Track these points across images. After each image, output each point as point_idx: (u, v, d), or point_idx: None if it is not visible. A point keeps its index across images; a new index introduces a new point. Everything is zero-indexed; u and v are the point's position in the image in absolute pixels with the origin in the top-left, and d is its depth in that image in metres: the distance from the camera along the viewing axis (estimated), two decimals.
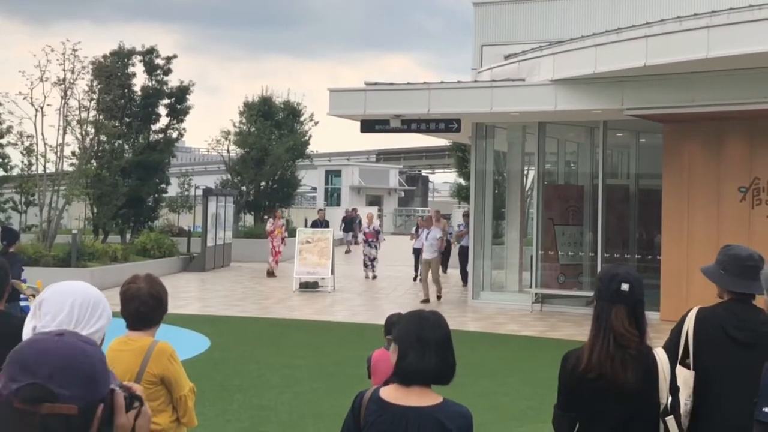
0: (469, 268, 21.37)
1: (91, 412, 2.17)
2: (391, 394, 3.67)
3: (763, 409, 3.58)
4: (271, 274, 26.57)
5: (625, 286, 4.13)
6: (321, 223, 28.06)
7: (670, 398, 4.12)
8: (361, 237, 27.79)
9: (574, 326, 16.71)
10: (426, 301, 20.20)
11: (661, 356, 4.16)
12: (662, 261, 18.33)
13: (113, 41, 35.43)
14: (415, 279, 25.33)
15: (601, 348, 4.09)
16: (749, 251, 4.84)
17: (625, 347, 4.08)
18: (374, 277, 26.23)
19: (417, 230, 25.83)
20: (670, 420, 4.09)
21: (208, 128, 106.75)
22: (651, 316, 18.12)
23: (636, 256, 20.70)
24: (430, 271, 21.04)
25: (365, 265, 26.74)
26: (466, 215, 25.43)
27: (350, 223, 41.38)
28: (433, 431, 3.57)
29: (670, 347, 4.84)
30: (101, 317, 2.91)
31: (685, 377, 4.74)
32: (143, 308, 4.81)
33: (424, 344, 3.64)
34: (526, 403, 10.63)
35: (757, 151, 17.27)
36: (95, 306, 2.90)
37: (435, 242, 21.15)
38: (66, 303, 2.83)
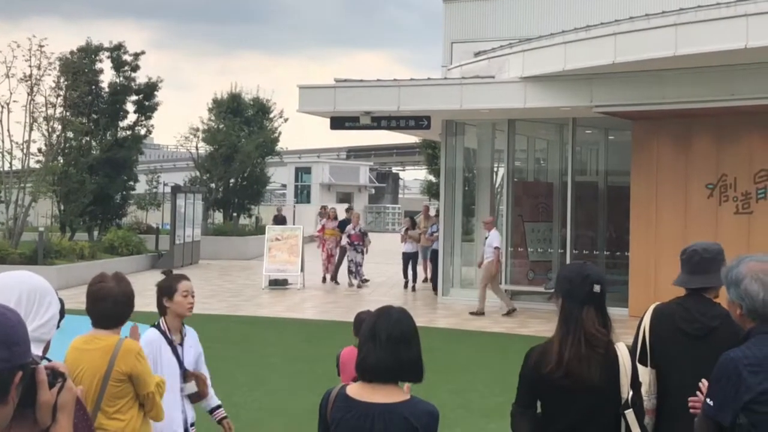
0: (439, 265, 21.18)
1: (9, 377, 2.17)
2: (358, 391, 3.66)
3: (707, 400, 3.63)
4: (324, 280, 23.93)
5: (597, 288, 4.17)
6: (346, 223, 24.28)
7: (631, 392, 4.15)
8: (344, 239, 23.59)
9: (543, 322, 16.76)
10: (481, 313, 18.38)
11: (622, 351, 4.19)
12: (630, 257, 18.43)
13: (84, 37, 35.20)
14: (406, 286, 22.98)
15: (571, 348, 4.10)
16: (696, 246, 4.90)
17: (594, 347, 4.11)
18: (359, 285, 23.01)
19: (407, 231, 23.63)
20: (629, 413, 4.12)
21: (180, 125, 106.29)
22: (620, 311, 18.31)
23: (605, 252, 20.81)
24: (488, 281, 18.73)
25: (350, 272, 23.28)
26: (437, 215, 23.44)
27: (282, 223, 34.23)
28: (399, 428, 3.56)
29: (634, 344, 4.90)
30: (51, 305, 2.84)
31: (641, 374, 4.78)
32: (117, 308, 4.79)
33: (376, 339, 3.64)
34: (496, 400, 10.63)
35: (725, 148, 17.40)
36: (43, 295, 2.82)
37: (491, 249, 18.49)
38: (12, 295, 2.74)
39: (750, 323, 3.70)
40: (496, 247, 18.53)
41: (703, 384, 3.88)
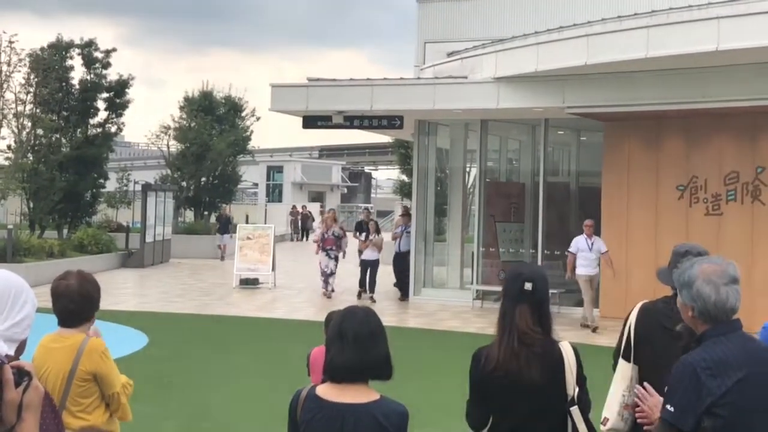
0: (411, 264, 20.79)
1: None
2: (327, 391, 3.64)
3: (667, 406, 3.63)
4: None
5: (528, 285, 4.19)
6: (365, 226, 21.55)
7: (576, 389, 4.19)
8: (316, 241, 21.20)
9: None
10: (596, 328, 16.47)
11: (566, 349, 4.23)
12: (601, 258, 18.47)
13: (55, 34, 35.06)
14: (359, 295, 20.68)
15: (506, 346, 4.16)
16: (688, 247, 4.93)
17: (529, 345, 4.14)
18: (332, 290, 20.96)
19: (367, 236, 20.94)
20: (575, 410, 4.16)
21: (151, 122, 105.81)
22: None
23: None
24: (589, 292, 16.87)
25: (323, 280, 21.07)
26: (404, 214, 22.00)
27: (226, 223, 32.53)
28: (369, 428, 3.55)
29: (619, 341, 4.93)
30: (26, 304, 2.80)
31: (624, 370, 4.80)
32: (72, 305, 4.73)
33: (343, 339, 3.64)
34: (466, 400, 10.62)
35: (695, 150, 17.51)
36: (18, 293, 2.78)
37: (601, 257, 16.80)
38: None
39: (702, 325, 3.71)
40: (606, 252, 16.82)
41: (638, 390, 3.90)
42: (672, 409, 3.60)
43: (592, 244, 16.77)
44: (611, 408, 4.85)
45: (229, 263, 25.88)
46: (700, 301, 3.67)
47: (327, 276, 20.92)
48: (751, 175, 16.90)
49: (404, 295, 20.73)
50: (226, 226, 32.11)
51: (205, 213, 38.60)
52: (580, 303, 19.17)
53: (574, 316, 18.11)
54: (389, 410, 3.59)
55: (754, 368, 3.60)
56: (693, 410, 3.54)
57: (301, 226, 50.01)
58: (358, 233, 21.35)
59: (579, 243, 16.85)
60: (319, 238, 21.47)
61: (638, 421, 3.98)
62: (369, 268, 20.81)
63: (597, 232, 18.86)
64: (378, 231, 21.47)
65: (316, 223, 23.63)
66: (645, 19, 16.05)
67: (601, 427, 4.73)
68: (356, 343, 3.61)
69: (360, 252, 21.37)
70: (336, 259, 21.01)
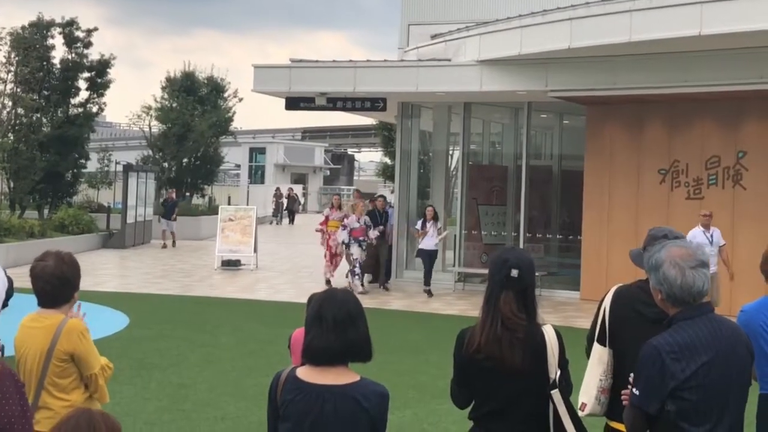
0: (393, 247, 20.66)
1: None
2: (308, 373, 3.65)
3: (633, 389, 3.68)
4: (328, 282, 19.43)
5: (514, 272, 4.22)
6: (380, 215, 19.94)
7: (558, 372, 4.22)
8: (345, 234, 18.89)
9: None
10: None
11: (549, 333, 4.25)
12: (583, 241, 18.57)
13: (35, 13, 34.81)
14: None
15: (489, 330, 4.20)
16: (665, 231, 4.90)
17: (512, 330, 4.17)
18: (362, 289, 18.48)
19: (424, 224, 18.83)
20: (556, 393, 4.18)
21: (134, 103, 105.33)
22: (572, 294, 18.46)
23: (558, 235, 20.94)
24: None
25: (353, 274, 18.85)
26: (378, 198, 21.09)
27: (172, 208, 29.65)
28: (349, 409, 3.56)
29: (593, 325, 4.92)
30: None
31: (600, 354, 4.81)
32: (48, 287, 4.73)
33: (322, 322, 3.64)
34: (448, 381, 10.64)
35: (677, 134, 17.57)
36: None
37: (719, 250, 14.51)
38: None
39: (672, 308, 3.74)
40: (723, 245, 14.66)
41: (632, 378, 3.93)
42: (637, 392, 3.65)
43: (712, 236, 14.28)
44: (589, 392, 4.86)
45: (210, 245, 25.81)
46: (666, 284, 3.71)
47: (362, 267, 19.00)
48: (732, 160, 16.97)
49: (375, 279, 19.93)
50: (172, 210, 29.89)
51: (187, 194, 38.46)
52: (562, 286, 19.24)
53: (556, 299, 18.19)
54: (369, 391, 3.60)
55: (721, 351, 3.64)
56: (657, 393, 3.59)
57: (288, 208, 49.54)
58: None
59: (696, 236, 13.98)
60: (325, 223, 20.12)
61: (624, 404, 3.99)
62: (429, 259, 18.98)
63: (579, 215, 18.92)
64: (436, 219, 18.99)
65: (327, 210, 21.26)
66: (628, 3, 16.03)
67: (579, 412, 4.76)
68: (335, 326, 3.61)
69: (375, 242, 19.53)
70: (366, 249, 19.17)
